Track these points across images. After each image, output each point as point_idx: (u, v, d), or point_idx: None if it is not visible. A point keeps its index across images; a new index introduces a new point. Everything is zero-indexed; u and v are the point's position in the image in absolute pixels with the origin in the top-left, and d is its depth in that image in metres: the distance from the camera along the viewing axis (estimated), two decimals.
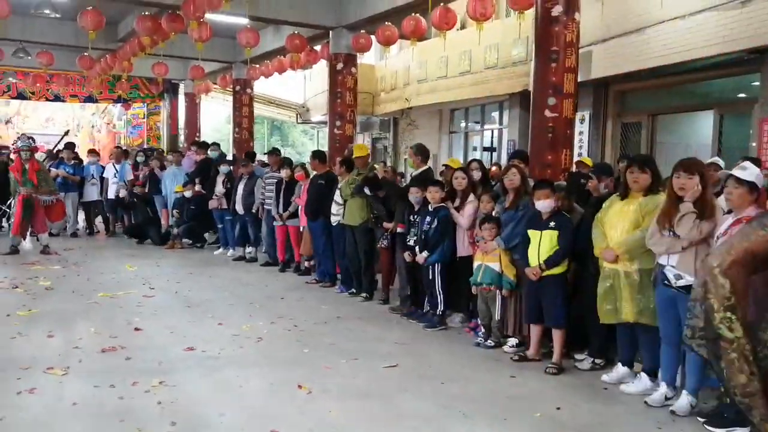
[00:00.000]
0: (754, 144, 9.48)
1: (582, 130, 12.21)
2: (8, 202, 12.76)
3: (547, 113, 7.40)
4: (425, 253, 6.76)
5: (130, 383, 4.85)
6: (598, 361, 5.55)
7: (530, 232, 5.66)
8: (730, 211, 4.36)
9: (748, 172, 4.23)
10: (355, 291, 8.27)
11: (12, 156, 12.61)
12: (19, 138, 11.53)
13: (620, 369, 5.24)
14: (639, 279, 4.89)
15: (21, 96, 19.41)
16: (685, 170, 4.55)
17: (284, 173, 9.74)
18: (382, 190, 7.85)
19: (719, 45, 9.21)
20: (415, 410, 4.53)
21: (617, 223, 5.02)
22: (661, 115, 12.04)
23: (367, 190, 7.83)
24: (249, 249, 11.03)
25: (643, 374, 5.03)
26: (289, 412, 4.43)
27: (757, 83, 9.68)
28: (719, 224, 4.33)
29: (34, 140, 11.48)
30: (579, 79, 7.79)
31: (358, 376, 5.23)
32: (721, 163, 6.64)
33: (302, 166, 9.90)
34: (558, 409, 4.63)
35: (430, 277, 6.79)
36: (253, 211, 10.51)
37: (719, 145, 10.51)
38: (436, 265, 6.74)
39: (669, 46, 9.98)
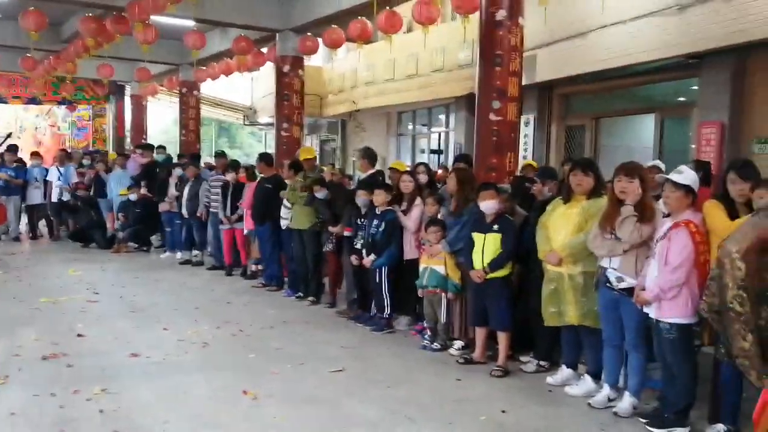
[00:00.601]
0: (693, 146, 9.74)
1: (527, 133, 12.37)
2: None
3: (492, 117, 7.44)
4: (372, 257, 6.78)
5: (72, 391, 4.76)
6: (543, 363, 5.63)
7: (474, 235, 5.70)
8: (669, 215, 4.44)
9: (684, 175, 4.32)
10: (302, 295, 8.24)
11: None
12: None
13: (564, 371, 5.32)
14: (583, 282, 4.94)
15: None
16: (626, 174, 4.62)
17: (230, 177, 9.67)
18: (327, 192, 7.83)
19: (659, 50, 9.44)
20: (361, 415, 4.55)
21: (561, 227, 5.07)
22: (604, 118, 12.27)
23: (320, 195, 7.78)
24: (195, 252, 10.91)
25: (586, 376, 5.12)
26: (234, 419, 4.41)
27: (696, 87, 9.93)
28: (659, 227, 4.43)
29: None
30: (523, 83, 7.87)
31: (305, 380, 5.22)
32: (662, 166, 6.78)
33: (247, 168, 9.84)
34: (503, 412, 4.68)
35: (377, 280, 6.81)
36: (198, 214, 10.40)
37: (660, 148, 10.78)
38: (383, 268, 6.76)
39: (611, 50, 10.18)
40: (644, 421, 4.47)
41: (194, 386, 5.00)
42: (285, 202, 8.34)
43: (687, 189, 4.27)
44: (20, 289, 8.45)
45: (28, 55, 14.30)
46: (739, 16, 8.35)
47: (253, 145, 37.21)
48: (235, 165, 10.02)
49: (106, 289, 8.59)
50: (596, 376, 5.06)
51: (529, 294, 5.66)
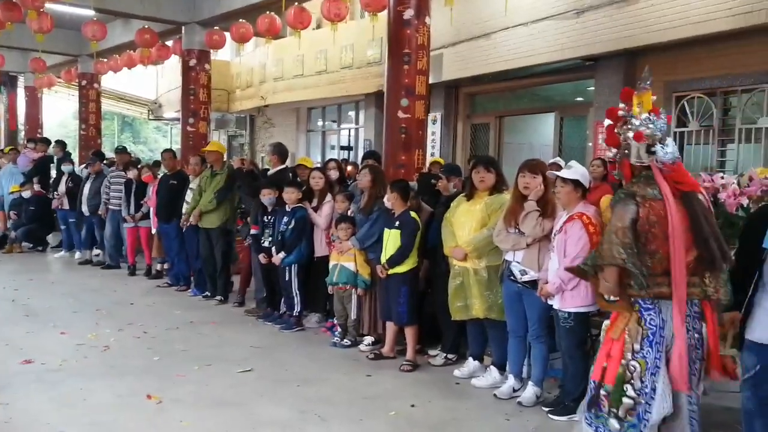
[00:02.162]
0: (590, 144, 10.16)
1: (434, 131, 12.57)
2: None
3: (400, 114, 7.52)
4: (282, 254, 6.71)
5: None
6: (450, 356, 5.73)
7: (384, 231, 5.78)
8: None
9: (572, 170, 4.50)
10: (209, 294, 8.06)
11: None
12: None
13: (471, 363, 5.44)
14: (487, 276, 5.07)
15: None
16: (530, 170, 4.79)
17: (132, 174, 9.35)
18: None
19: (558, 52, 9.82)
20: (271, 416, 4.48)
21: (465, 222, 5.19)
22: (508, 117, 12.63)
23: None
24: (96, 252, 10.49)
25: (492, 368, 5.24)
26: (139, 425, 4.26)
27: (592, 88, 10.37)
28: (556, 222, 4.58)
29: None
30: (430, 82, 7.99)
31: (212, 383, 5.10)
32: (562, 163, 7.04)
33: (149, 166, 9.54)
34: (412, 406, 4.73)
35: (287, 278, 6.74)
36: (99, 212, 10.01)
37: (560, 146, 11.18)
38: (293, 266, 6.70)
39: (514, 51, 10.50)
40: (547, 409, 4.62)
41: (95, 392, 4.79)
42: (188, 198, 8.12)
43: (576, 183, 4.43)
44: None
45: None
46: (630, 23, 8.89)
47: (158, 140, 36.15)
48: (135, 163, 9.71)
49: None
50: (501, 368, 5.18)
51: (435, 288, 5.76)
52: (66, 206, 10.69)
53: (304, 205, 6.78)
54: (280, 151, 7.81)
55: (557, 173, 4.56)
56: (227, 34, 11.78)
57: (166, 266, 9.26)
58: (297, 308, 6.76)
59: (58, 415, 4.36)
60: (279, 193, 6.86)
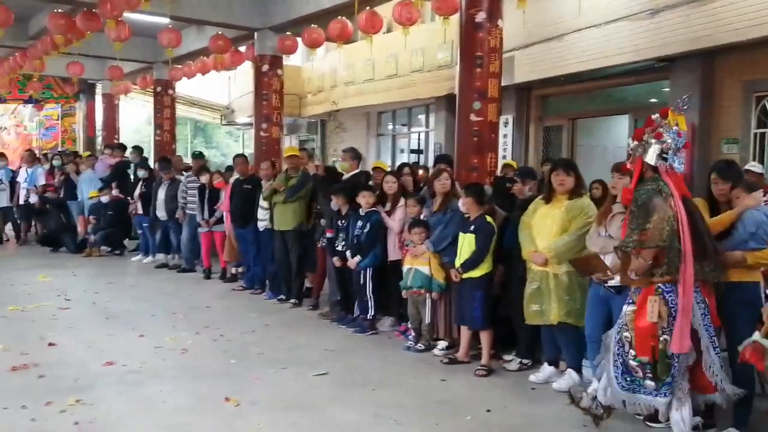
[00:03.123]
0: None
1: (506, 134, 12.39)
2: None
3: (473, 117, 7.45)
4: (357, 258, 6.69)
5: (44, 403, 4.58)
6: (525, 361, 5.63)
7: (459, 235, 5.73)
8: None
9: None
10: (284, 297, 8.12)
11: None
12: None
13: (546, 369, 5.34)
14: (567, 280, 4.99)
15: None
16: (617, 170, 4.76)
17: (204, 179, 9.53)
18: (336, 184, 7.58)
19: (632, 53, 9.58)
20: (346, 420, 4.46)
21: (543, 227, 5.11)
22: (581, 119, 12.37)
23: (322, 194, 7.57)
24: (171, 256, 10.72)
25: (570, 370, 5.14)
26: (216, 428, 4.29)
27: (667, 89, 10.07)
28: None
29: None
30: (502, 84, 7.88)
31: (288, 386, 5.12)
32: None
33: (220, 172, 9.71)
34: (488, 411, 4.66)
35: (361, 281, 6.74)
36: (177, 216, 10.23)
37: None
38: (368, 269, 6.70)
39: (586, 52, 10.27)
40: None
41: (173, 395, 4.86)
42: (261, 202, 8.21)
43: None
44: None
45: None
46: (707, 22, 8.57)
47: (230, 145, 36.83)
48: (206, 168, 9.93)
49: (77, 295, 8.36)
50: (577, 370, 5.11)
51: (511, 293, 5.68)
52: (140, 211, 10.94)
53: (377, 208, 6.76)
54: (354, 156, 7.83)
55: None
56: (299, 40, 11.88)
57: (240, 270, 9.38)
58: (371, 312, 6.75)
59: (139, 417, 4.44)
60: (353, 197, 6.87)
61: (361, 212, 6.79)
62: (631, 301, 4.13)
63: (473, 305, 5.61)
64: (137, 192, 11.04)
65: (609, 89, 11.71)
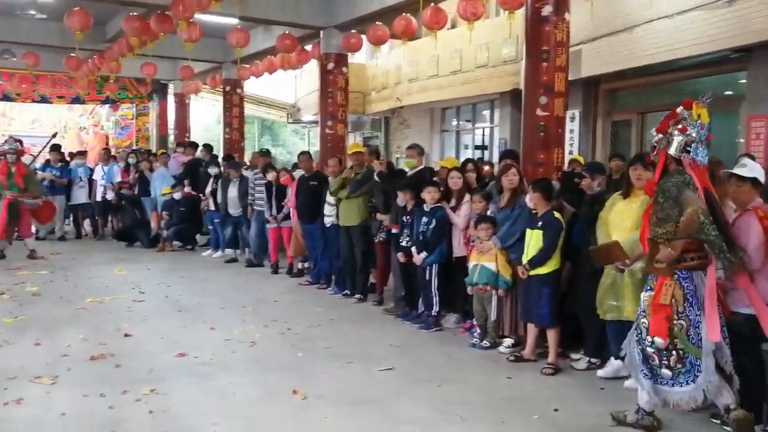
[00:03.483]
0: (742, 140, 9.52)
1: (572, 129, 12.17)
2: None
3: (539, 112, 7.39)
4: (423, 254, 6.70)
5: (120, 392, 4.76)
6: (594, 360, 5.52)
7: (527, 231, 5.68)
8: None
9: (748, 168, 4.29)
10: (349, 292, 8.19)
11: None
12: (6, 141, 11.33)
13: (614, 362, 5.24)
14: (642, 277, 4.85)
15: (6, 98, 19.06)
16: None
17: (270, 176, 9.69)
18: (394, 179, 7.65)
19: (706, 44, 9.26)
20: (412, 415, 4.48)
21: (620, 222, 5.03)
22: (651, 113, 12.03)
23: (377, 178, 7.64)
24: (240, 251, 10.94)
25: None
26: (284, 420, 4.37)
27: (744, 81, 9.72)
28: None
29: (21, 143, 11.32)
30: (569, 78, 7.77)
31: (354, 380, 5.17)
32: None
33: (286, 170, 9.86)
34: (556, 410, 4.60)
35: (427, 278, 6.73)
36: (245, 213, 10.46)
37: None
38: (434, 265, 6.68)
39: (657, 44, 10.00)
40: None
41: (243, 386, 4.98)
42: (328, 198, 8.31)
43: (753, 181, 4.25)
44: (67, 289, 8.53)
45: (72, 55, 14.50)
46: None
47: (295, 143, 37.32)
48: (272, 166, 10.09)
49: (151, 288, 8.64)
50: None
51: (579, 290, 5.59)
52: (212, 207, 11.20)
53: (442, 204, 6.75)
54: (418, 152, 7.84)
55: (733, 171, 4.35)
56: (364, 37, 11.96)
57: (306, 265, 9.51)
58: (435, 308, 6.74)
59: (210, 408, 4.55)
60: (417, 193, 6.89)
61: (426, 208, 6.78)
62: (649, 288, 4.25)
63: (540, 302, 5.55)
64: (209, 189, 11.30)
65: (681, 82, 11.34)
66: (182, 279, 9.37)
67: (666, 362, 4.11)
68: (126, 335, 6.34)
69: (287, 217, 9.55)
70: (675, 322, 4.06)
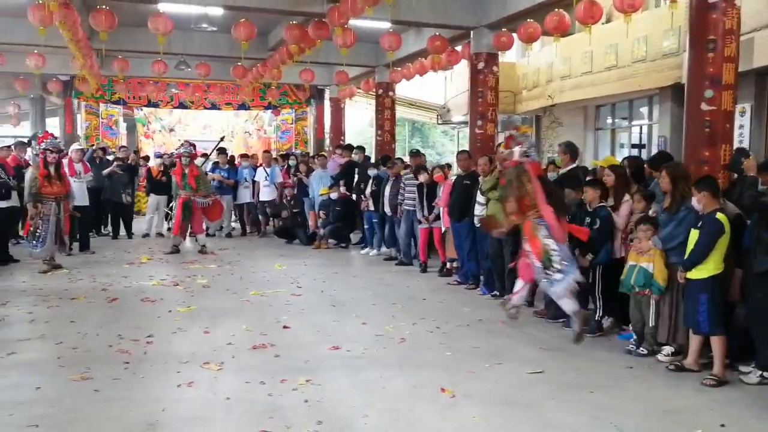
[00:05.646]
0: None
1: (742, 124, 11.34)
2: (170, 205, 13.72)
3: (704, 106, 6.94)
4: (589, 256, 6.44)
5: (279, 381, 5.01)
6: (767, 374, 5.10)
7: (692, 231, 5.37)
8: None
9: None
10: (497, 293, 8.12)
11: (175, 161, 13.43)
12: (181, 145, 12.30)
13: None
14: None
15: (182, 105, 20.71)
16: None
17: (422, 178, 9.78)
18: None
19: None
20: (561, 421, 4.37)
21: None
22: None
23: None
24: (393, 250, 11.16)
25: None
26: (432, 417, 4.41)
27: None
28: None
29: (194, 147, 12.25)
30: (739, 69, 7.25)
31: (502, 381, 5.13)
32: None
33: (441, 166, 9.91)
34: (722, 426, 4.31)
35: (591, 280, 6.47)
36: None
37: None
38: (599, 267, 6.45)
39: None
40: None
41: (392, 381, 5.08)
42: (479, 198, 8.28)
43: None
44: (232, 282, 9.09)
45: (238, 64, 15.46)
46: None
47: (445, 144, 37.56)
48: (424, 168, 10.17)
49: (308, 283, 9.01)
50: None
51: (748, 298, 5.21)
52: (371, 207, 11.49)
53: (604, 203, 6.52)
54: (571, 150, 7.65)
55: None
56: (515, 36, 11.80)
57: (455, 265, 9.54)
58: (599, 312, 6.51)
59: (361, 400, 4.69)
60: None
61: (588, 208, 6.55)
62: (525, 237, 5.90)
63: (698, 309, 5.23)
64: (368, 190, 11.60)
65: None
66: (336, 275, 9.70)
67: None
68: (285, 327, 6.67)
69: (438, 217, 9.62)
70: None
